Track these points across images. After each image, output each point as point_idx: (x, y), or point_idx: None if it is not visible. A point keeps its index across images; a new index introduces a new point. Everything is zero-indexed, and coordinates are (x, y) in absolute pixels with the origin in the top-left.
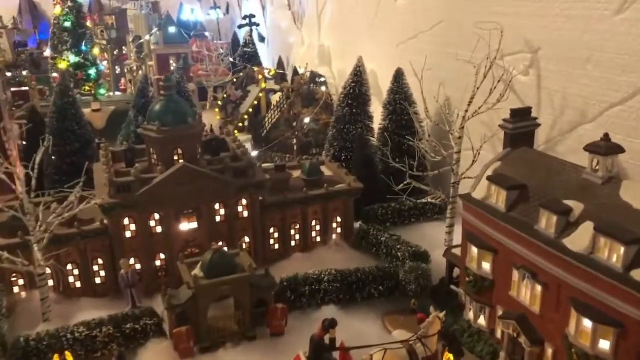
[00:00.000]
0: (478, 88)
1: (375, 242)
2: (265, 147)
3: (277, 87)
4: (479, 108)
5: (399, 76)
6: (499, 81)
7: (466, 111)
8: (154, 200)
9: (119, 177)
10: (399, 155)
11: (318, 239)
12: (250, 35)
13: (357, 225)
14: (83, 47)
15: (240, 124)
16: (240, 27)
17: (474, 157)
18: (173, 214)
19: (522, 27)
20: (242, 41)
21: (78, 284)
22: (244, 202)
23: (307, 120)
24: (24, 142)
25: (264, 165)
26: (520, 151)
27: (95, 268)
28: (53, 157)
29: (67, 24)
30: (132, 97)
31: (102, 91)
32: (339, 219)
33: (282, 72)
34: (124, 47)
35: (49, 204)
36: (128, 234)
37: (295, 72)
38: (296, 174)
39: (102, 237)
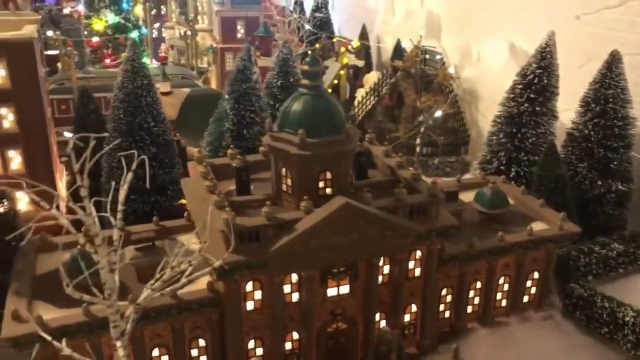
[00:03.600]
0: None
1: (611, 320)
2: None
3: (360, 63)
4: None
5: (614, 63)
6: None
7: None
8: (294, 255)
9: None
10: (601, 176)
11: (504, 303)
12: None
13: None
14: (124, 5)
15: None
16: None
17: None
18: (318, 274)
19: None
20: (312, 4)
21: None
22: (418, 254)
23: (439, 113)
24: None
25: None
26: None
27: (194, 353)
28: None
29: None
30: (184, 69)
31: (145, 60)
32: (535, 275)
33: (367, 44)
34: (162, 6)
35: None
36: (249, 305)
37: (398, 46)
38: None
39: (209, 309)
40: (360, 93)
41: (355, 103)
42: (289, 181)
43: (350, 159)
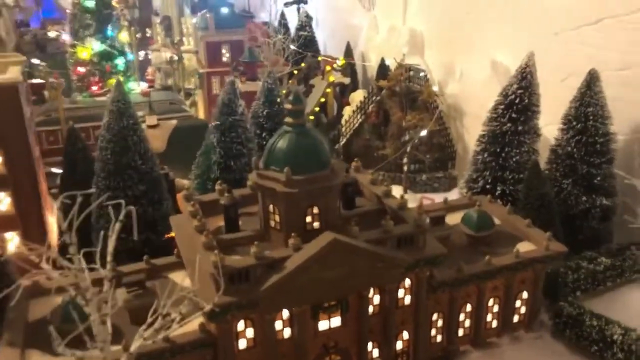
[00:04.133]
0: None
1: (600, 338)
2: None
3: (346, 80)
4: None
5: (592, 81)
6: None
7: None
8: (284, 292)
9: (224, 252)
10: (585, 192)
11: (494, 323)
12: (307, 16)
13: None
14: (109, 32)
15: None
16: (287, 5)
17: None
18: (309, 309)
19: None
20: (296, 23)
21: None
22: (407, 283)
23: (424, 132)
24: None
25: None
26: None
27: None
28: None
29: (90, 4)
30: (172, 94)
31: (131, 84)
32: (524, 295)
33: (352, 62)
34: (147, 29)
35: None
36: (242, 344)
37: (382, 65)
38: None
39: (202, 350)
40: (347, 111)
41: (343, 121)
42: (277, 217)
43: (336, 193)
